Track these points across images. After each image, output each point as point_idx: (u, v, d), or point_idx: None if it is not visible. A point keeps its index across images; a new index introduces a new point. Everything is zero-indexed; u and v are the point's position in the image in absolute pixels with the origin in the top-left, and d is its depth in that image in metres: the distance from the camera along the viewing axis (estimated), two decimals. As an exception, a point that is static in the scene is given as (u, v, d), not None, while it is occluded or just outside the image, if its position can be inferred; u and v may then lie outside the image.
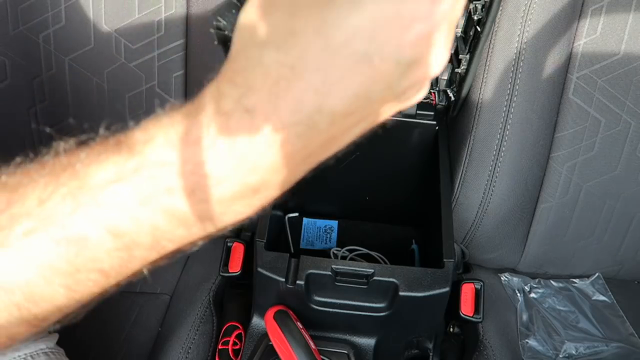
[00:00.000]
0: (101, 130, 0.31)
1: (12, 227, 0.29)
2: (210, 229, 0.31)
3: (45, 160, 0.31)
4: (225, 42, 0.33)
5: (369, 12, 0.25)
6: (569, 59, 0.72)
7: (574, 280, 0.84)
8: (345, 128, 0.29)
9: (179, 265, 0.82)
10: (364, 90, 0.27)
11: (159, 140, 0.29)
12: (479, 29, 0.68)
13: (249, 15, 0.28)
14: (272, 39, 0.27)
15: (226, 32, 0.33)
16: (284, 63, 0.26)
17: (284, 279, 0.62)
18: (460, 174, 0.77)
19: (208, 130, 0.28)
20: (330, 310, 0.63)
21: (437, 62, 0.28)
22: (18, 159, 0.32)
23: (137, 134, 0.29)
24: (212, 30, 0.34)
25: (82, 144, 0.31)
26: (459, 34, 0.74)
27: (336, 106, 0.27)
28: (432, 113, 0.78)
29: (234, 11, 0.33)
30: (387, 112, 0.30)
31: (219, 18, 0.33)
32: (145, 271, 0.32)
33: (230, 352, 0.69)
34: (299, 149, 0.28)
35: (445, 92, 0.78)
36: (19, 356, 0.58)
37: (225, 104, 0.27)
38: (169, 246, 0.31)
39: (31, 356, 0.59)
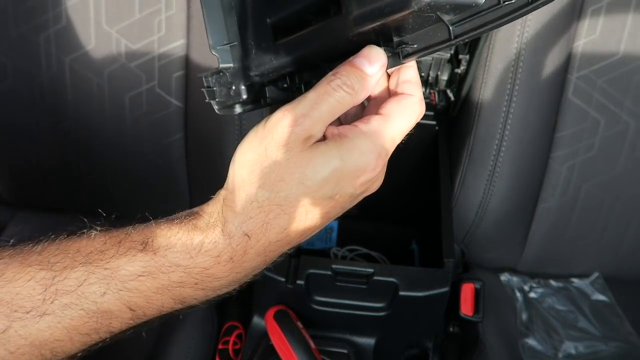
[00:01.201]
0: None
1: (54, 300, 0.38)
2: (199, 303, 0.42)
3: (80, 244, 0.40)
4: (214, 98, 0.43)
5: (335, 169, 0.38)
6: (569, 59, 0.72)
7: (574, 279, 0.84)
8: (309, 234, 0.41)
9: (179, 265, 0.82)
10: (327, 214, 0.40)
11: (177, 248, 0.39)
12: (478, 29, 0.68)
13: (245, 158, 0.39)
14: (265, 182, 0.38)
15: (214, 88, 0.43)
16: (274, 201, 0.38)
17: (284, 279, 0.62)
18: (460, 174, 0.77)
19: (215, 246, 0.39)
20: (330, 310, 0.63)
21: (376, 186, 0.42)
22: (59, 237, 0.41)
23: (161, 239, 0.39)
24: (202, 89, 0.43)
25: (109, 232, 0.41)
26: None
27: (307, 226, 0.40)
28: (432, 113, 0.78)
29: (221, 74, 0.43)
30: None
31: (209, 79, 0.43)
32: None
33: (230, 352, 0.69)
34: (277, 253, 0.41)
35: (445, 92, 0.78)
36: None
37: (228, 227, 0.39)
38: (166, 313, 0.42)
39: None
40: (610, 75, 0.73)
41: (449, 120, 0.81)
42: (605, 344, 0.76)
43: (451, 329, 0.75)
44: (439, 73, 0.77)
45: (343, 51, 0.39)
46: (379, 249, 0.86)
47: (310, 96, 0.38)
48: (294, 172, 0.37)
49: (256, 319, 0.67)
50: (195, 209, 0.41)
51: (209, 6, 0.42)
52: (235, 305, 0.76)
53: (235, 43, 0.43)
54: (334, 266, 0.63)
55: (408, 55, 0.37)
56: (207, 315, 0.75)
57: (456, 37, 0.34)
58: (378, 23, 0.35)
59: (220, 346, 0.70)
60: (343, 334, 0.66)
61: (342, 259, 0.86)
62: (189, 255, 0.39)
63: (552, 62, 0.71)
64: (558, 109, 0.75)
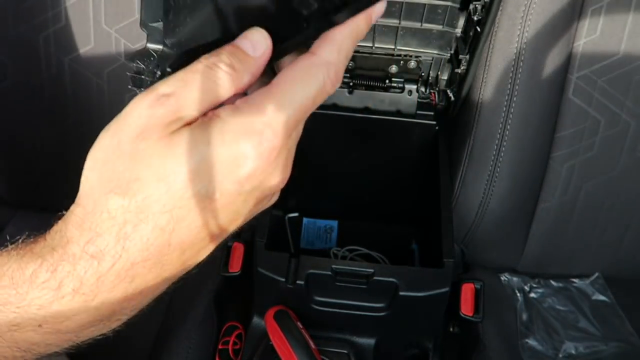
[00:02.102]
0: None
1: None
2: (62, 350, 0.33)
3: None
4: (140, 85, 0.35)
5: (202, 158, 0.29)
6: (569, 59, 0.72)
7: (574, 280, 0.84)
8: (200, 249, 0.32)
9: (179, 265, 0.82)
10: (210, 220, 0.30)
11: (4, 282, 0.30)
12: (478, 29, 0.68)
13: (94, 160, 0.31)
14: (117, 185, 0.29)
15: (143, 76, 0.35)
16: (129, 208, 0.29)
17: (284, 279, 0.62)
18: (460, 174, 0.77)
19: (53, 276, 0.30)
20: (331, 310, 0.63)
21: (276, 181, 0.32)
22: None
23: None
24: (128, 74, 0.36)
25: None
26: (458, 34, 0.74)
27: (185, 238, 0.30)
28: (432, 113, 0.78)
29: (152, 58, 0.35)
30: (241, 224, 0.33)
31: (138, 62, 0.35)
32: None
33: (230, 352, 0.69)
34: (151, 279, 0.31)
35: (445, 92, 0.78)
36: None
37: (71, 249, 0.30)
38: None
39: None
40: (610, 75, 0.73)
41: (449, 120, 0.81)
42: (605, 344, 0.76)
43: (451, 329, 0.75)
44: (439, 73, 0.77)
45: (265, 16, 0.31)
46: (379, 249, 0.86)
47: (179, 75, 0.30)
48: (151, 166, 0.29)
49: (256, 319, 0.67)
50: (45, 232, 0.32)
51: None
52: (235, 305, 0.76)
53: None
54: (334, 266, 0.62)
55: (335, 12, 0.30)
56: (207, 315, 0.74)
57: None
58: None
59: (220, 346, 0.70)
60: (343, 334, 0.66)
61: (342, 259, 0.86)
62: (20, 289, 0.30)
63: (552, 62, 0.71)
64: (558, 109, 0.75)
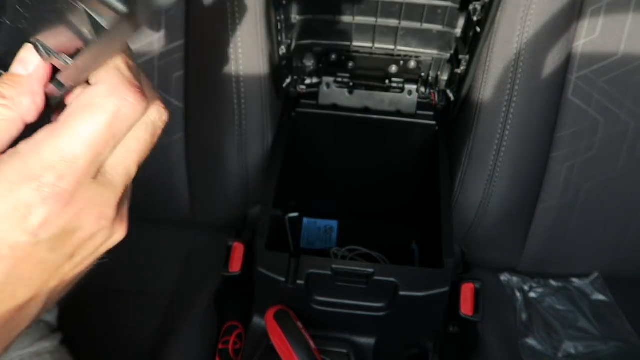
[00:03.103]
0: None
1: None
2: None
3: None
4: None
5: None
6: (568, 59, 0.73)
7: (573, 279, 0.84)
8: (14, 317, 0.28)
9: (179, 266, 0.83)
10: (8, 278, 0.27)
11: None
12: (478, 29, 0.68)
13: None
14: None
15: None
16: None
17: (284, 279, 0.62)
18: (460, 174, 0.77)
19: None
20: (330, 310, 0.63)
21: (92, 224, 0.28)
22: None
23: None
24: None
25: None
26: (458, 35, 0.74)
27: None
28: (432, 113, 0.78)
29: None
30: (70, 277, 0.29)
31: None
32: None
33: (230, 352, 0.69)
34: None
35: (445, 92, 0.78)
36: (24, 354, 0.59)
37: None
38: None
39: (36, 354, 0.59)
40: (610, 75, 0.73)
41: (449, 120, 0.81)
42: (604, 343, 0.76)
43: (451, 329, 0.75)
44: (439, 73, 0.77)
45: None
46: (379, 249, 0.86)
47: None
48: None
49: (256, 319, 0.67)
50: None
51: None
52: (236, 305, 0.76)
53: None
54: (334, 266, 0.63)
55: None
56: (207, 315, 0.75)
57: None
58: None
59: (220, 346, 0.70)
60: (343, 334, 0.66)
61: (342, 259, 0.86)
62: None
63: (552, 62, 0.71)
64: (558, 109, 0.75)
